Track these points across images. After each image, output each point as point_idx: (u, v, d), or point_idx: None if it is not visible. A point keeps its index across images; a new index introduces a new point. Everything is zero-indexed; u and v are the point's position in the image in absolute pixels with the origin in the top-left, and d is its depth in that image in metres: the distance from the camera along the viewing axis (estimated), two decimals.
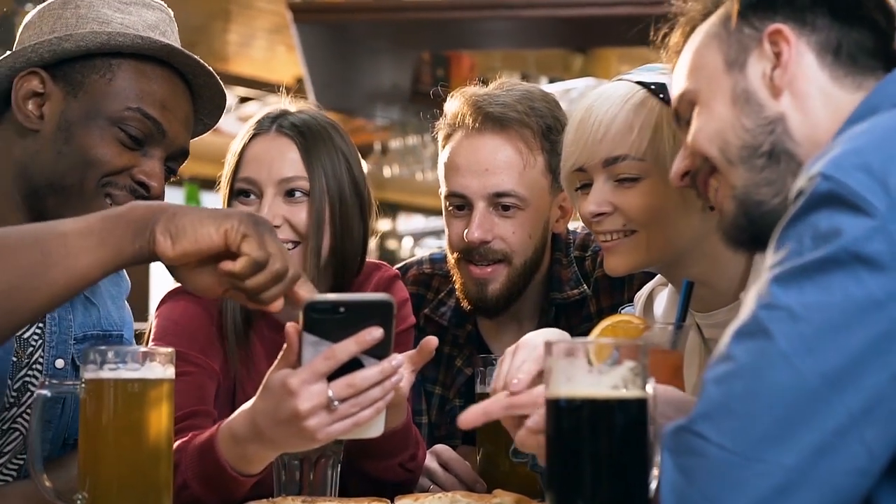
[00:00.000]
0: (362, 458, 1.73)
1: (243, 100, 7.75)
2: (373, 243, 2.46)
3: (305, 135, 1.95)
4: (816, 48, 1.34)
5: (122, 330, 1.89)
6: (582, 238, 2.25)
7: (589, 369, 1.16)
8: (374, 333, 1.31)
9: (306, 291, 1.38)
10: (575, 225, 2.25)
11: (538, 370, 1.37)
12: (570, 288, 2.18)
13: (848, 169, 1.11)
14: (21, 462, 1.73)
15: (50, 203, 1.65)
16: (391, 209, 9.67)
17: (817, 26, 1.34)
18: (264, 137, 1.96)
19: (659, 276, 1.85)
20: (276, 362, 1.37)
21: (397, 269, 2.34)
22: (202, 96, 1.81)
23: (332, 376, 1.32)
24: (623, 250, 1.71)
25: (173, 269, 1.41)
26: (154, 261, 1.37)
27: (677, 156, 1.48)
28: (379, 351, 1.33)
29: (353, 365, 1.32)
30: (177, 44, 1.77)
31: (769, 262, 1.15)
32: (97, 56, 1.68)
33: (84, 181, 1.64)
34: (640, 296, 1.90)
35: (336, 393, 1.31)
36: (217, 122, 1.89)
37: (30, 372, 1.73)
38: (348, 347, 1.31)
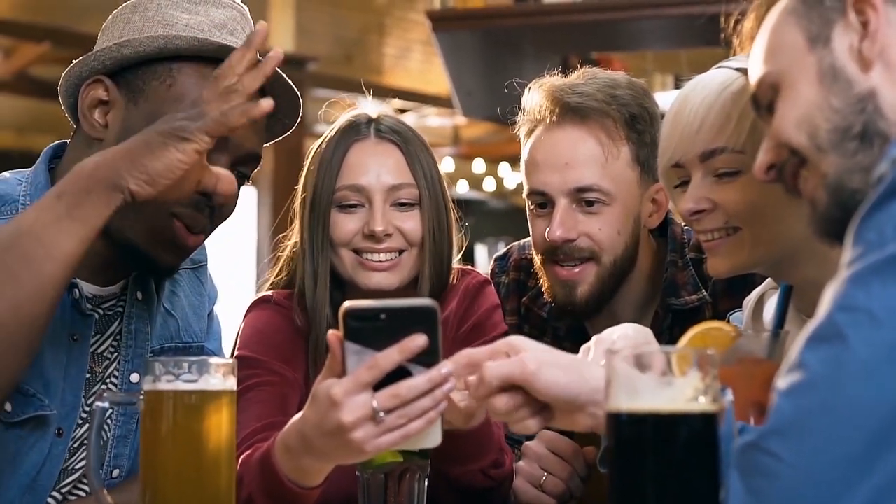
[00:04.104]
0: (441, 462, 1.65)
1: (400, 112, 7.83)
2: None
3: (407, 140, 1.94)
4: None
5: (205, 341, 1.86)
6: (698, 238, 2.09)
7: (653, 381, 1.05)
8: (418, 341, 1.24)
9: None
10: None
11: None
12: (687, 293, 2.01)
13: None
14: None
15: (114, 220, 1.47)
16: None
17: None
18: (365, 143, 1.94)
19: (770, 279, 1.71)
20: (322, 372, 1.31)
21: (501, 253, 2.28)
22: (274, 95, 1.70)
23: (379, 385, 1.26)
24: (725, 250, 1.58)
25: None
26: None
27: (761, 147, 1.35)
28: (427, 359, 1.26)
29: (401, 374, 1.26)
30: None
31: (846, 258, 1.02)
32: (158, 61, 1.63)
33: None
34: (749, 301, 1.74)
35: (381, 404, 1.25)
36: (297, 119, 1.82)
37: (104, 386, 1.71)
38: (391, 356, 1.24)
